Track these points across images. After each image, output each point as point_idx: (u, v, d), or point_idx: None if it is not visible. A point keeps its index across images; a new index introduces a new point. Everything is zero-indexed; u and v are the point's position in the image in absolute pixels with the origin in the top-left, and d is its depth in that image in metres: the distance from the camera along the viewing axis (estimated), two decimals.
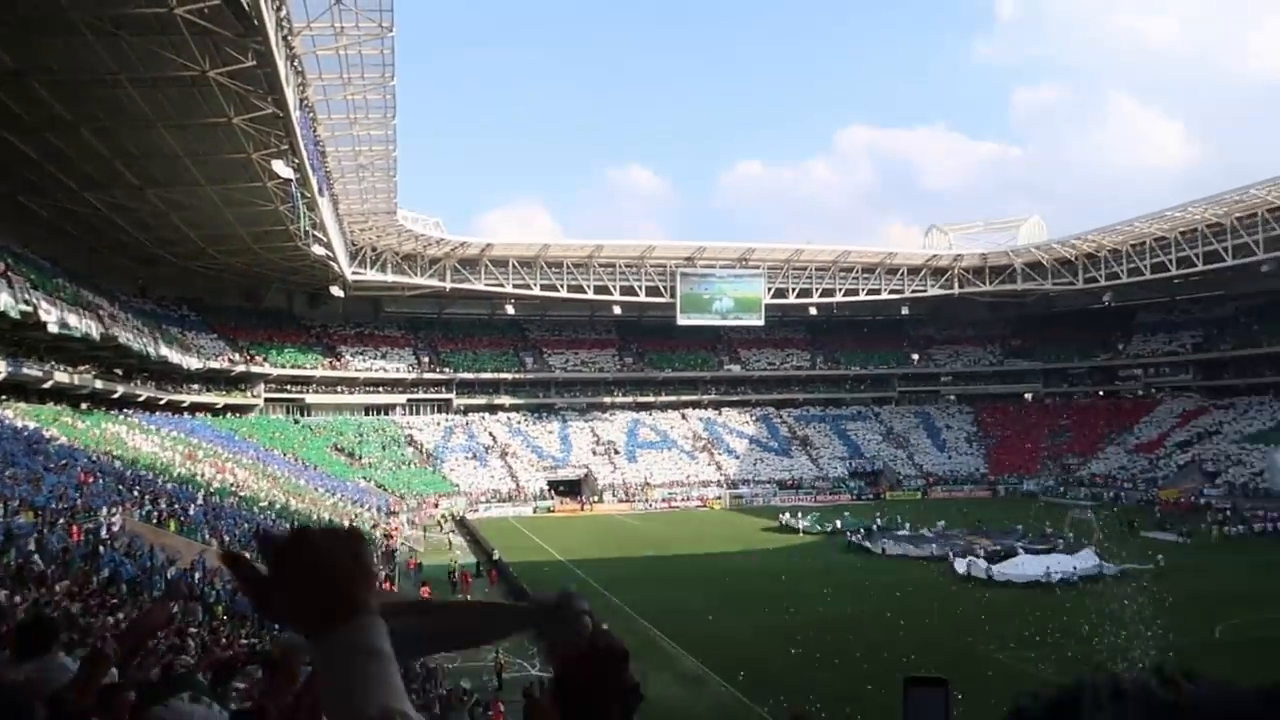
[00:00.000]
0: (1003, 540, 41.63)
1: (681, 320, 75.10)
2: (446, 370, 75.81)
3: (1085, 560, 35.57)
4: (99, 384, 43.78)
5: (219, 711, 2.17)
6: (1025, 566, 35.35)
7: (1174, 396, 73.66)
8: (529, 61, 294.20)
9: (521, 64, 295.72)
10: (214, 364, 59.62)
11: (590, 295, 72.25)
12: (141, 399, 49.83)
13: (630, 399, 79.40)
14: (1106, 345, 79.51)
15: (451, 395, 75.49)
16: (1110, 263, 68.91)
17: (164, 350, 49.65)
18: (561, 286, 71.54)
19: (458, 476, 66.34)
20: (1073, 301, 78.06)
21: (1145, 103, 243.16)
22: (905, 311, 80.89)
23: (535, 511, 63.33)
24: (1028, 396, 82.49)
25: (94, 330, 38.78)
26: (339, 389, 71.81)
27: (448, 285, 68.87)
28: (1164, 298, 75.06)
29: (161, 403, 52.59)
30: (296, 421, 67.49)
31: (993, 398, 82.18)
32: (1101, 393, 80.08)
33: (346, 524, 1.21)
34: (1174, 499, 56.61)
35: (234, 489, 39.64)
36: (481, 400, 76.39)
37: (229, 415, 61.29)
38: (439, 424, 73.60)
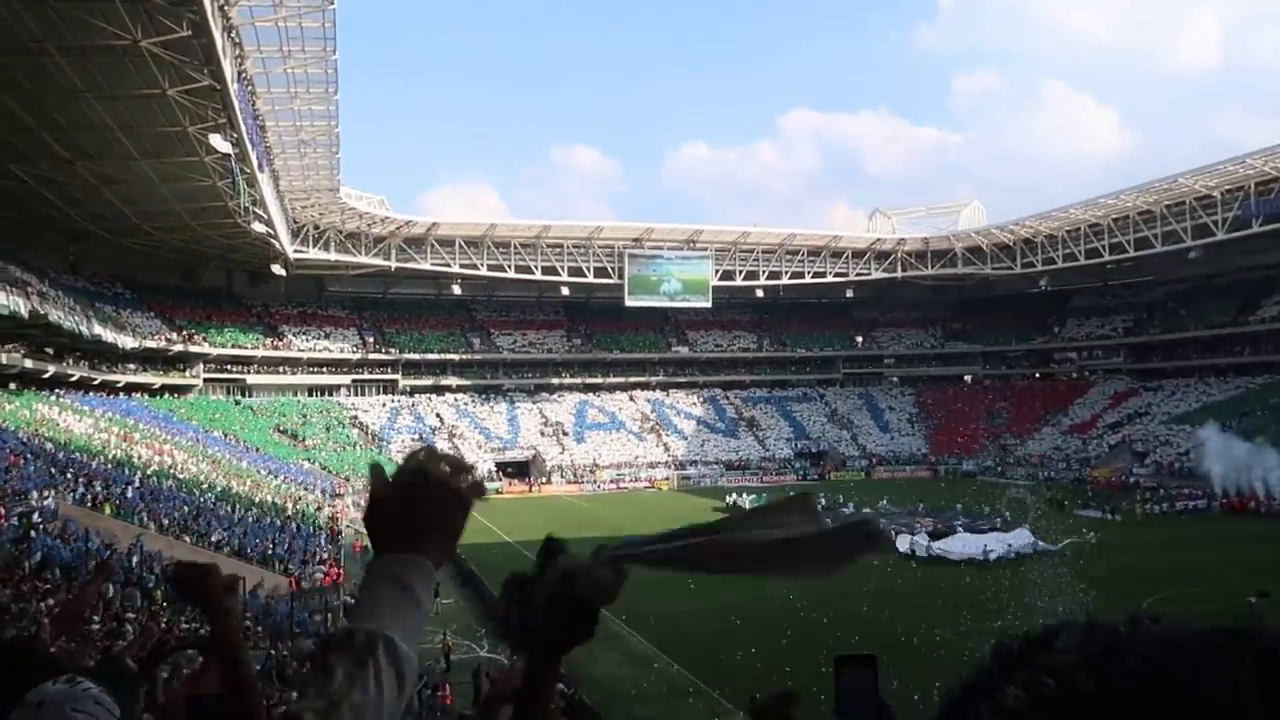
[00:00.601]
0: (943, 519, 42.56)
1: (629, 301, 75.15)
2: (392, 351, 74.94)
3: (1021, 538, 36.52)
4: (28, 363, 42.39)
5: (84, 691, 2.15)
6: (964, 545, 36.20)
7: (1106, 379, 75.83)
8: (473, 39, 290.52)
9: (465, 41, 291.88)
10: (150, 343, 58.12)
11: (538, 276, 71.94)
12: (74, 379, 48.41)
13: (578, 380, 79.33)
14: (1042, 329, 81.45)
15: (397, 376, 74.69)
16: (1046, 248, 70.54)
17: (97, 329, 48.27)
18: (509, 267, 71.07)
19: (404, 458, 65.66)
20: (1011, 285, 79.73)
21: (1079, 92, 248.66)
22: (850, 294, 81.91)
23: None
24: (967, 378, 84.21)
25: (22, 308, 37.54)
26: (281, 369, 70.54)
27: (393, 265, 68.00)
28: (1097, 283, 77.12)
29: (95, 383, 51.16)
30: (237, 402, 66.21)
31: (934, 379, 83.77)
32: (1038, 375, 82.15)
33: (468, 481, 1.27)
34: (1106, 478, 58.37)
35: (172, 471, 38.81)
36: (428, 381, 75.71)
37: (167, 396, 59.86)
38: (385, 405, 72.79)
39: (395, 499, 1.24)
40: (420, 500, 1.23)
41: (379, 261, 67.42)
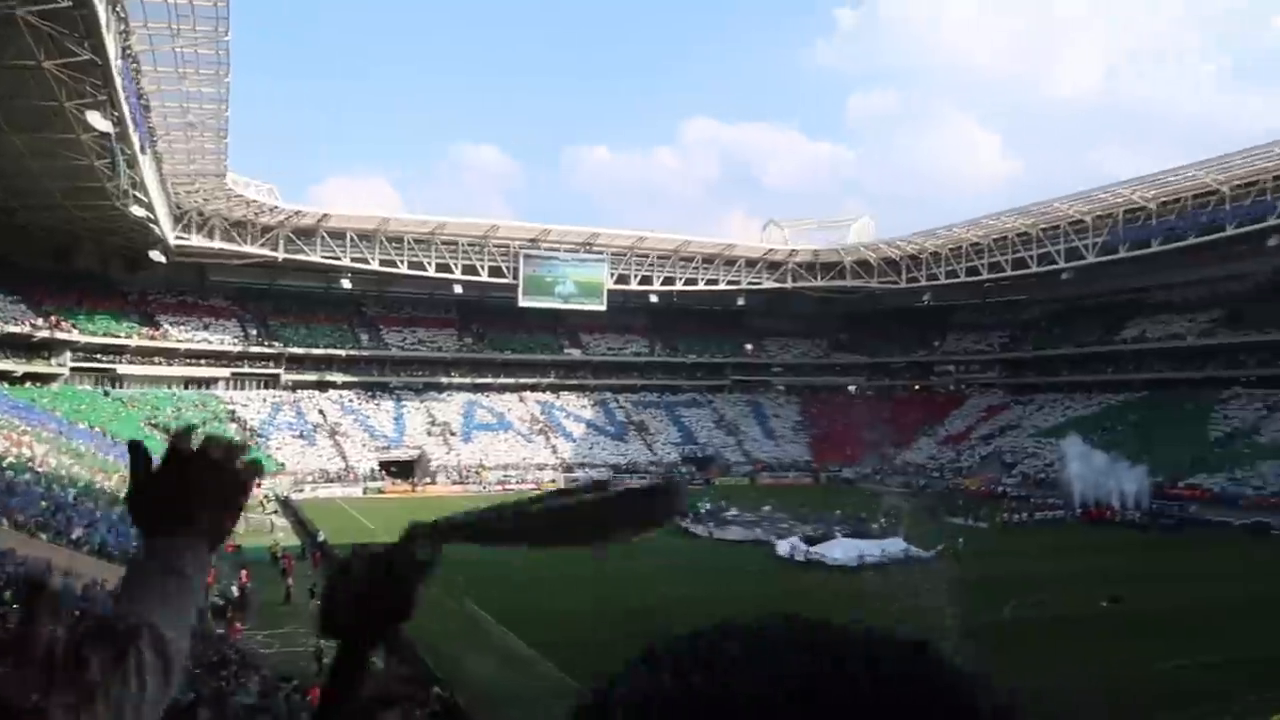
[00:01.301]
0: (822, 525, 43.85)
1: (524, 302, 74.74)
2: (276, 344, 72.54)
3: (895, 545, 37.93)
4: None
5: None
6: (840, 550, 37.36)
7: (981, 392, 79.42)
8: (370, 29, 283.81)
9: (363, 32, 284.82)
10: (12, 328, 54.85)
11: (431, 273, 70.86)
12: None
13: (468, 380, 78.40)
14: (924, 342, 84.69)
15: (280, 370, 72.35)
16: (930, 264, 73.50)
17: None
18: (402, 263, 69.78)
19: (283, 455, 63.71)
20: (896, 300, 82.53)
21: (967, 116, 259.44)
22: (741, 303, 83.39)
23: (365, 493, 61.67)
24: (851, 389, 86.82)
25: None
26: (156, 360, 67.45)
27: (280, 255, 65.86)
28: (976, 300, 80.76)
29: None
30: (107, 394, 62.97)
31: (819, 389, 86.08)
32: (918, 387, 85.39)
33: (245, 458, 1.26)
34: (976, 488, 61.18)
35: (30, 465, 36.69)
36: (312, 377, 73.54)
37: (29, 385, 56.55)
38: (265, 400, 70.42)
39: (168, 479, 1.19)
40: (195, 480, 1.19)
41: (265, 252, 65.22)
